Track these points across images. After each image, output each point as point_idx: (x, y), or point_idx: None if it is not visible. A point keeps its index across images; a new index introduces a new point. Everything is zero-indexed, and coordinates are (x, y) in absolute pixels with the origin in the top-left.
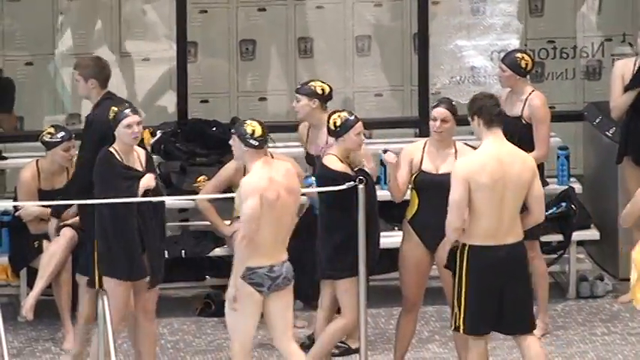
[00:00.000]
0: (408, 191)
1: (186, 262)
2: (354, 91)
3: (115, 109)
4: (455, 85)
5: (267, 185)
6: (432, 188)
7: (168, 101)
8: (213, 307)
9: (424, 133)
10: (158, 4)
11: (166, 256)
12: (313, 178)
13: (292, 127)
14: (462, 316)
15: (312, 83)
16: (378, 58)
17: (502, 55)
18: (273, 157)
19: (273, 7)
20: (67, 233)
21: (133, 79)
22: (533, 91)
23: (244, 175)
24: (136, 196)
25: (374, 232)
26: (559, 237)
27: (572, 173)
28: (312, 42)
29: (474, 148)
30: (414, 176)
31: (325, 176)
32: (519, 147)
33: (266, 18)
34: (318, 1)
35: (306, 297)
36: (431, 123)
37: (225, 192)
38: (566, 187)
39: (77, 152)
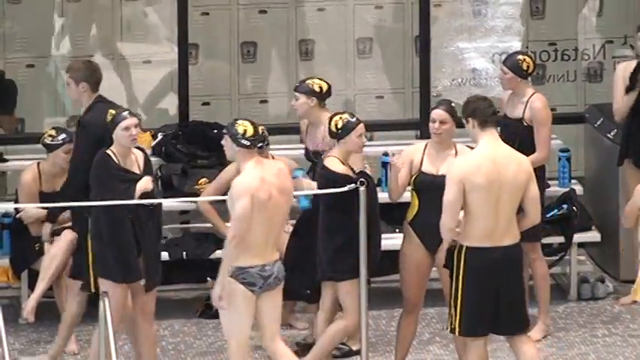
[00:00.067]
0: (408, 193)
1: (188, 264)
2: (355, 94)
3: (113, 111)
4: (456, 87)
5: (258, 185)
6: (432, 189)
7: (170, 103)
8: (214, 309)
9: (425, 135)
10: (159, 6)
11: (167, 258)
12: (302, 171)
13: (293, 129)
14: (457, 317)
15: (310, 81)
16: (379, 60)
17: (503, 57)
18: (274, 159)
19: (275, 10)
20: (68, 235)
21: (134, 82)
22: (534, 93)
23: None
24: (132, 198)
25: (375, 234)
26: (560, 239)
27: (574, 175)
28: (313, 44)
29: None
30: (413, 177)
31: (326, 178)
32: (520, 149)
33: (267, 20)
34: (319, 3)
35: (303, 296)
36: (430, 125)
37: (226, 194)
38: (568, 189)
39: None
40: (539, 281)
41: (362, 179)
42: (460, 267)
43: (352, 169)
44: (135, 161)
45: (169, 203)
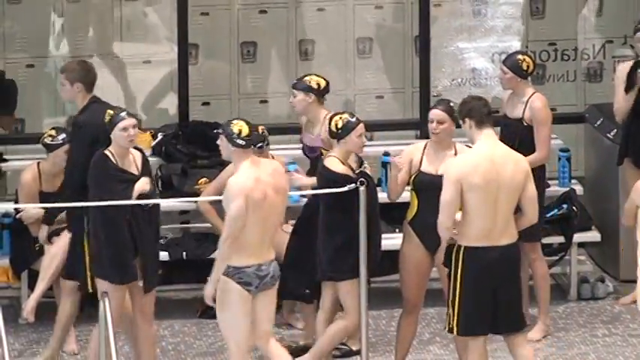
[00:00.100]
0: (408, 193)
1: (188, 264)
2: (355, 94)
3: (111, 112)
4: (456, 87)
5: (253, 185)
6: (432, 189)
7: (170, 103)
8: (214, 309)
9: (425, 135)
10: (159, 6)
11: (167, 258)
12: (295, 165)
13: (293, 129)
14: (455, 317)
15: (308, 78)
16: (379, 60)
17: (503, 57)
18: (273, 158)
19: (274, 10)
20: (68, 235)
21: (134, 82)
22: (534, 93)
23: None
24: (130, 199)
25: (375, 234)
26: (560, 239)
27: (574, 175)
28: (313, 44)
29: None
30: (413, 177)
31: (326, 178)
32: (520, 149)
33: (267, 20)
34: (319, 3)
35: (302, 296)
36: (428, 124)
37: None
38: (568, 188)
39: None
40: (539, 281)
41: (362, 179)
42: (458, 267)
43: (352, 169)
44: (133, 162)
45: (169, 203)
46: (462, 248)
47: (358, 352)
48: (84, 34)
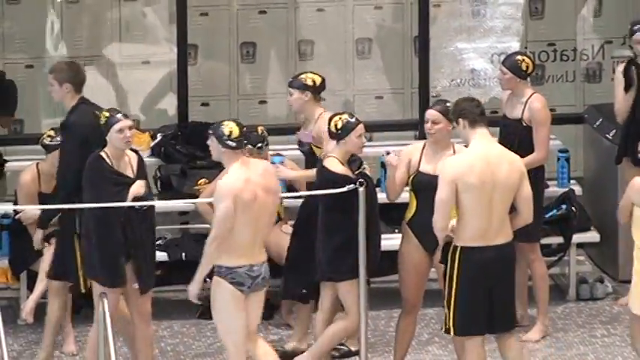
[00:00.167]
0: (406, 193)
1: (187, 265)
2: (355, 94)
3: (107, 113)
4: (455, 87)
5: (242, 186)
6: (430, 189)
7: (169, 104)
8: None
9: (424, 135)
10: (158, 6)
11: (167, 258)
12: (280, 158)
13: (292, 130)
14: (452, 317)
15: (303, 75)
16: (378, 60)
17: (502, 57)
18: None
19: (274, 10)
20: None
21: (133, 82)
22: (533, 93)
23: None
24: (124, 201)
25: (374, 234)
26: (559, 239)
27: (573, 176)
28: (312, 45)
29: None
30: (411, 177)
31: (326, 178)
32: (519, 149)
33: (266, 21)
34: (319, 3)
35: (299, 296)
36: (425, 125)
37: None
38: (567, 189)
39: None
40: (538, 282)
41: (361, 180)
42: (454, 267)
43: (352, 170)
44: (128, 163)
45: (168, 204)
46: (458, 249)
47: (357, 353)
48: (83, 35)
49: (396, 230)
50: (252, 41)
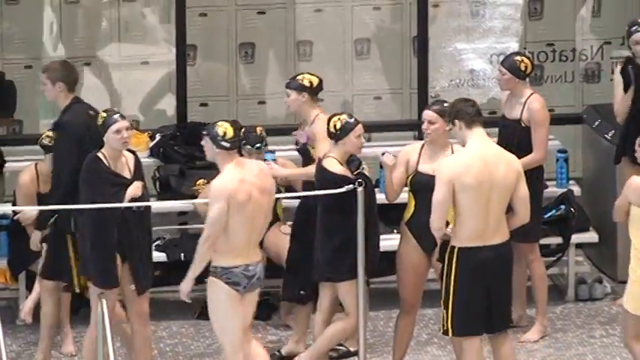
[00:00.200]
0: (405, 194)
1: (186, 266)
2: (354, 94)
3: (104, 114)
4: (454, 88)
5: (237, 187)
6: (428, 190)
7: (168, 104)
8: None
9: (423, 136)
10: (157, 7)
11: (165, 259)
12: (272, 154)
13: (291, 130)
14: (449, 318)
15: (300, 76)
16: (377, 61)
17: (501, 58)
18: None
19: (273, 11)
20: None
21: (132, 83)
22: (532, 94)
23: None
24: (121, 202)
25: (373, 234)
26: (558, 240)
27: (571, 176)
28: (311, 45)
29: None
30: (409, 177)
31: (325, 179)
32: (518, 150)
33: (265, 21)
34: (317, 4)
35: (297, 298)
36: (422, 125)
37: None
38: (565, 189)
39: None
40: (536, 282)
41: (360, 180)
42: (452, 268)
43: (350, 170)
44: (125, 164)
45: (167, 205)
46: (456, 249)
47: (356, 353)
48: (82, 35)
49: (395, 231)
50: (251, 42)
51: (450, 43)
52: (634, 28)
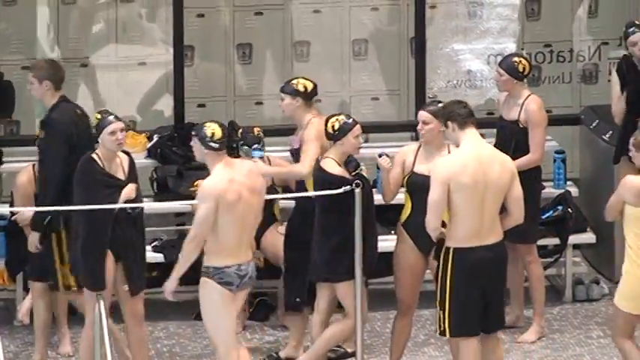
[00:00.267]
0: (402, 195)
1: None
2: (351, 95)
3: (99, 115)
4: (451, 88)
5: (226, 187)
6: (424, 190)
7: (165, 105)
8: None
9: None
10: (155, 8)
11: (163, 259)
12: (260, 152)
13: (288, 131)
14: (447, 319)
15: (295, 81)
16: (374, 61)
17: (499, 58)
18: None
19: (270, 11)
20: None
21: (129, 83)
22: (530, 95)
23: None
24: (115, 204)
25: (371, 235)
26: (555, 240)
27: (569, 177)
28: (308, 46)
29: None
30: (405, 178)
31: (322, 179)
32: (516, 151)
33: (263, 22)
34: (315, 4)
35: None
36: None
37: None
38: (563, 190)
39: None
40: (534, 283)
41: (357, 181)
42: (447, 269)
43: (349, 171)
44: (120, 165)
45: (164, 205)
46: (451, 250)
47: (353, 354)
48: (79, 36)
49: (392, 232)
50: (249, 42)
51: (447, 43)
52: (631, 29)
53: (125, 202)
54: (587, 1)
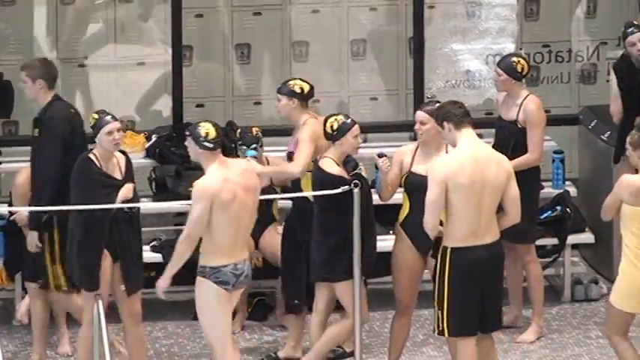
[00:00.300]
0: (400, 195)
1: (182, 266)
2: (349, 95)
3: (96, 115)
4: (450, 88)
5: (221, 186)
6: (422, 190)
7: (164, 105)
8: None
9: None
10: (153, 8)
11: (161, 259)
12: (254, 152)
13: (287, 131)
14: (445, 319)
15: (292, 82)
16: (373, 62)
17: (497, 58)
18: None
19: (269, 11)
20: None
21: (128, 83)
22: (528, 95)
23: None
24: (112, 204)
25: (370, 235)
26: (554, 240)
27: (567, 177)
28: (307, 46)
29: None
30: (403, 178)
31: (321, 179)
32: (515, 151)
33: (261, 22)
34: (314, 5)
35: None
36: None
37: None
38: (561, 190)
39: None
40: (532, 283)
41: (356, 181)
42: (445, 268)
43: (347, 171)
44: (117, 165)
45: (163, 205)
46: (448, 249)
47: (352, 354)
48: (78, 36)
49: (391, 232)
50: (247, 42)
51: (445, 44)
52: (630, 29)
53: (122, 202)
54: (585, 2)
